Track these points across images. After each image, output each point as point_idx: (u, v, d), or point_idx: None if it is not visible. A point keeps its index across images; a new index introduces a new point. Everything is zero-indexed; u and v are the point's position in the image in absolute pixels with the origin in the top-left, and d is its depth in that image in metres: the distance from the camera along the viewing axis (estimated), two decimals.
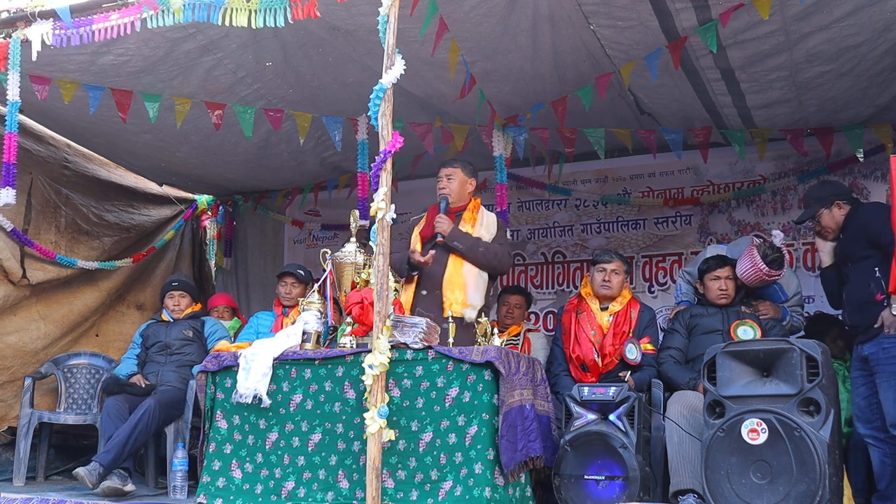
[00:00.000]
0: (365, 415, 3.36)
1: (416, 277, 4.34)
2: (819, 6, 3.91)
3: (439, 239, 4.27)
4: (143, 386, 4.99)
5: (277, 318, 5.33)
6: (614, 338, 4.49)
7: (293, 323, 5.10)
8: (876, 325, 3.76)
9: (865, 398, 3.92)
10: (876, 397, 3.83)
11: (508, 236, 5.35)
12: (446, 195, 4.41)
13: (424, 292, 4.29)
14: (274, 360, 3.96)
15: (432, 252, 4.25)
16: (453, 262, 4.27)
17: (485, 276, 4.31)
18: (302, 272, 5.46)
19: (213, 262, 7.36)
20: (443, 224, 4.28)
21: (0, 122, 5.04)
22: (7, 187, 4.46)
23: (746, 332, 4.25)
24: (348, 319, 3.95)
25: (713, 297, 4.53)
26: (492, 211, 5.77)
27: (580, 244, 6.29)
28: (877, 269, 3.79)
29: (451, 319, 3.90)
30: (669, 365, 4.40)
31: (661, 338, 4.67)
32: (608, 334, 4.51)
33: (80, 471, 4.31)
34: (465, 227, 4.37)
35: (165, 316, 5.44)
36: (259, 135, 5.56)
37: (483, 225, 4.39)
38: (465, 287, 4.23)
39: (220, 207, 7.37)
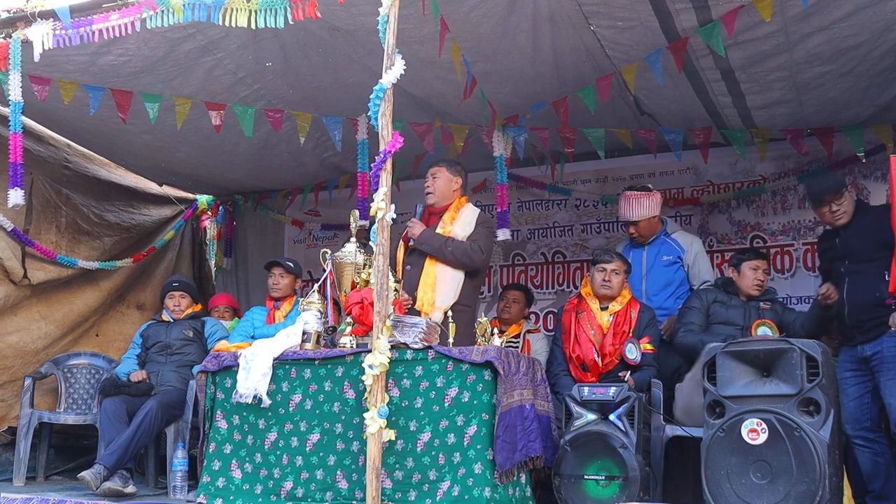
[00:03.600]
0: (365, 415, 3.36)
1: (400, 282, 4.38)
2: (819, 7, 3.91)
3: (411, 243, 4.40)
4: (140, 381, 4.99)
5: (270, 312, 5.31)
6: (614, 338, 4.49)
7: (286, 316, 5.12)
8: (890, 326, 3.74)
9: (856, 399, 3.94)
10: (867, 398, 3.85)
11: (507, 236, 5.38)
12: (431, 193, 4.51)
13: (406, 295, 4.32)
14: (274, 360, 3.96)
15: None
16: (428, 264, 4.34)
17: (459, 275, 4.33)
18: (291, 263, 5.46)
19: (213, 262, 7.36)
20: (413, 228, 4.39)
21: (1, 123, 5.05)
22: (16, 188, 4.47)
23: (766, 333, 4.24)
24: (348, 319, 3.95)
25: (748, 285, 4.50)
26: (492, 211, 5.78)
27: (580, 244, 6.29)
28: (886, 272, 3.73)
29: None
30: (691, 335, 4.36)
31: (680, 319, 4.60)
32: (608, 334, 4.51)
33: (85, 474, 4.32)
34: (444, 226, 4.41)
35: (166, 316, 5.44)
36: (259, 135, 5.56)
37: (459, 223, 4.42)
38: (435, 287, 4.27)
39: (220, 207, 7.37)
